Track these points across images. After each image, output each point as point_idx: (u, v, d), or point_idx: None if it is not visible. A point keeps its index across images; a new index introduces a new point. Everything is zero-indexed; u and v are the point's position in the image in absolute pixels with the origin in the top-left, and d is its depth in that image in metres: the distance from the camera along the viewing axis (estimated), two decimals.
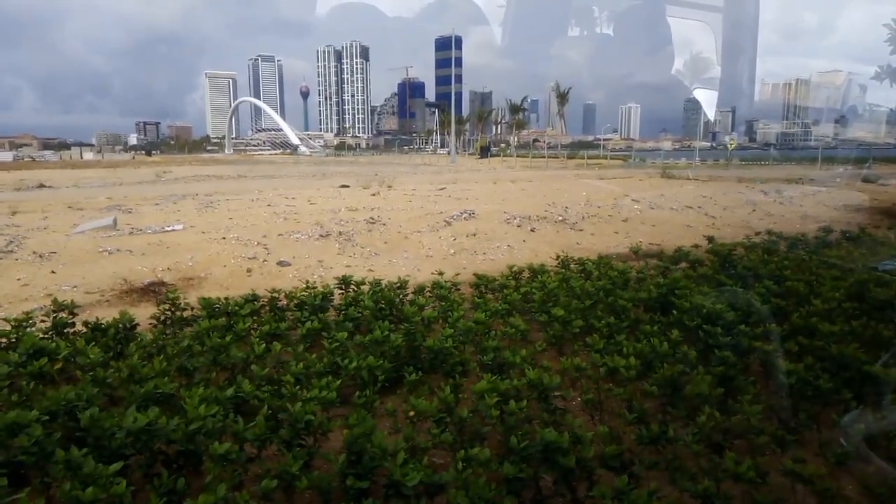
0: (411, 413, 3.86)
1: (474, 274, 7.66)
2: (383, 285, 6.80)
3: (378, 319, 5.87)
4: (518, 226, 13.49)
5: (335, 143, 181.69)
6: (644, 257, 9.59)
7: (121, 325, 5.33)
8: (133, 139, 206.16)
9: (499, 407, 3.80)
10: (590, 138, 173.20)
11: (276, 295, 6.51)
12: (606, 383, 4.64)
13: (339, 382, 4.05)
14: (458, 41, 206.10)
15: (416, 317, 5.71)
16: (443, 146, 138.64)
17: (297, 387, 4.03)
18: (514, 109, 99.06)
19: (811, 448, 3.96)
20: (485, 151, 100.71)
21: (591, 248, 12.31)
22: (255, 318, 5.93)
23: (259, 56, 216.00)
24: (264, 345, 4.76)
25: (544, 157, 78.31)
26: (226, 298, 6.18)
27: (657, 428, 3.90)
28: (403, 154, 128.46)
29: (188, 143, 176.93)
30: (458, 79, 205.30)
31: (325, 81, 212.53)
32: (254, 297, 6.38)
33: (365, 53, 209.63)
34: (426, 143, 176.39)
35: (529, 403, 3.97)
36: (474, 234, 12.53)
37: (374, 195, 17.40)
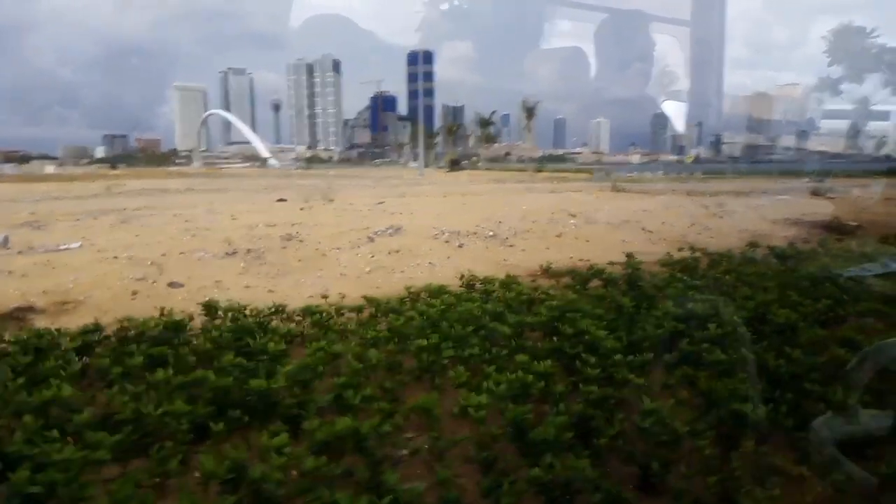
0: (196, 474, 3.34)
1: (363, 296, 7.15)
2: (247, 312, 6.26)
3: (229, 351, 5.30)
4: (446, 241, 13.05)
5: (307, 156, 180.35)
6: (555, 276, 9.19)
7: None
8: (100, 152, 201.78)
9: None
10: (560, 152, 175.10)
11: (126, 324, 5.90)
12: (457, 423, 4.19)
13: (117, 437, 3.50)
14: (430, 56, 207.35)
15: (263, 348, 5.19)
16: (415, 160, 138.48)
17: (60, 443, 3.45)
18: (483, 123, 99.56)
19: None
20: (454, 164, 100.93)
21: (517, 265, 11.93)
22: (85, 352, 5.33)
23: (229, 69, 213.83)
24: (55, 388, 4.17)
25: (511, 171, 78.71)
26: (57, 330, 5.57)
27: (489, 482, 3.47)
28: (374, 167, 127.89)
29: (156, 157, 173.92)
30: (431, 93, 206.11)
31: (297, 94, 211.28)
32: (95, 328, 5.77)
33: (337, 67, 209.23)
34: (399, 156, 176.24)
35: (344, 456, 3.48)
36: (397, 251, 12.04)
37: (302, 210, 16.82)
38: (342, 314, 6.74)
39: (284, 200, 19.62)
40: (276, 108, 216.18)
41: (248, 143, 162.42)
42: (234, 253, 10.76)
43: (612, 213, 17.26)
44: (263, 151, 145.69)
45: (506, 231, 14.26)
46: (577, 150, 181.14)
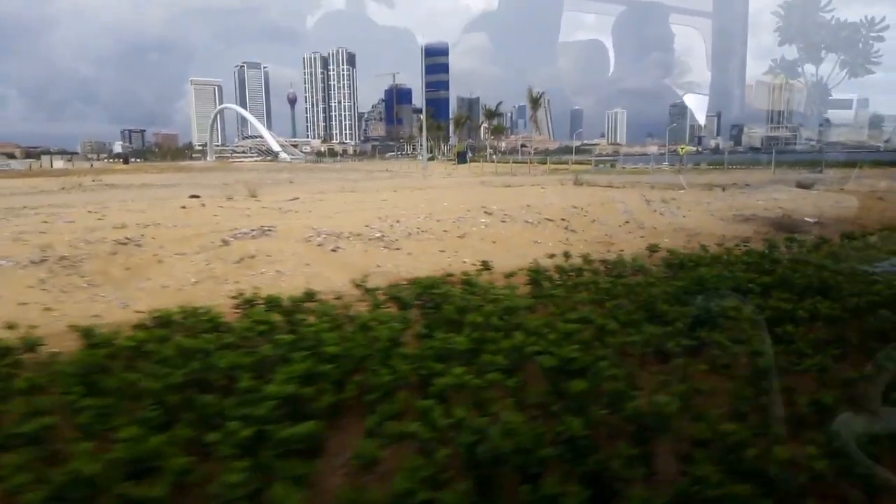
0: None
1: (68, 324, 5.84)
2: None
3: None
4: (319, 245, 11.71)
5: (322, 149, 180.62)
6: (373, 291, 7.77)
7: None
8: (118, 147, 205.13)
9: None
10: (577, 143, 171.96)
11: None
12: None
13: None
14: (446, 48, 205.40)
15: None
16: (430, 151, 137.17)
17: None
18: (489, 114, 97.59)
19: None
20: (461, 157, 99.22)
21: (390, 272, 10.61)
22: None
23: (245, 63, 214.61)
24: None
25: (520, 163, 76.95)
26: None
27: None
28: (383, 160, 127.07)
29: (171, 151, 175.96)
30: (446, 85, 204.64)
31: (312, 88, 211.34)
32: None
33: (352, 60, 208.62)
34: (413, 148, 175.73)
35: None
36: (252, 257, 10.74)
37: (184, 208, 15.57)
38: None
39: (197, 197, 18.44)
40: (292, 101, 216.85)
41: (260, 137, 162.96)
42: (44, 260, 9.56)
43: (544, 209, 15.67)
44: (274, 145, 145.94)
45: (399, 232, 12.86)
46: (595, 141, 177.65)
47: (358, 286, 7.82)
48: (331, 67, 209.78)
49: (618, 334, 5.81)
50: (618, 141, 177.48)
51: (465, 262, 11.66)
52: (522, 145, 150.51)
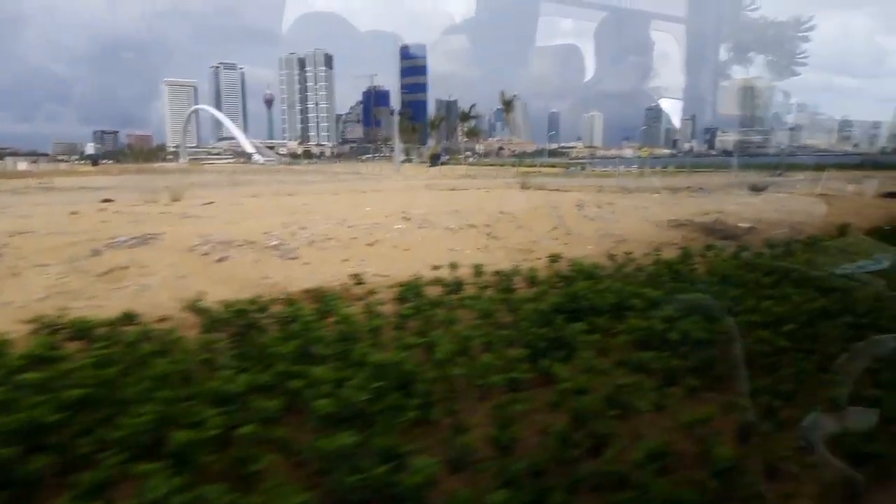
0: None
1: None
2: None
3: None
4: (205, 254, 10.82)
5: (299, 151, 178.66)
6: (202, 312, 6.91)
7: None
8: (90, 148, 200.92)
9: None
10: (554, 146, 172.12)
11: None
12: None
13: None
14: (424, 50, 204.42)
15: None
16: (406, 153, 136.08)
17: None
18: (463, 117, 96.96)
19: None
20: (434, 159, 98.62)
21: (278, 284, 9.79)
22: None
23: (221, 64, 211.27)
24: None
25: (494, 165, 76.53)
26: None
27: None
28: (359, 162, 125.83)
29: (143, 153, 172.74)
30: (424, 87, 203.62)
31: (289, 89, 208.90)
32: None
33: (329, 62, 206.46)
34: (391, 150, 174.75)
35: None
36: (124, 268, 9.83)
37: (74, 214, 14.53)
38: None
39: (110, 201, 17.37)
40: (269, 102, 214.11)
41: (234, 138, 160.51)
42: None
43: (472, 215, 14.89)
44: (248, 147, 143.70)
45: (302, 239, 12.00)
46: (572, 144, 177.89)
47: (192, 308, 6.98)
48: (308, 69, 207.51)
49: (447, 366, 5.04)
50: (595, 144, 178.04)
51: (365, 271, 10.91)
52: (500, 148, 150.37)
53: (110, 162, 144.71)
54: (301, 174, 59.55)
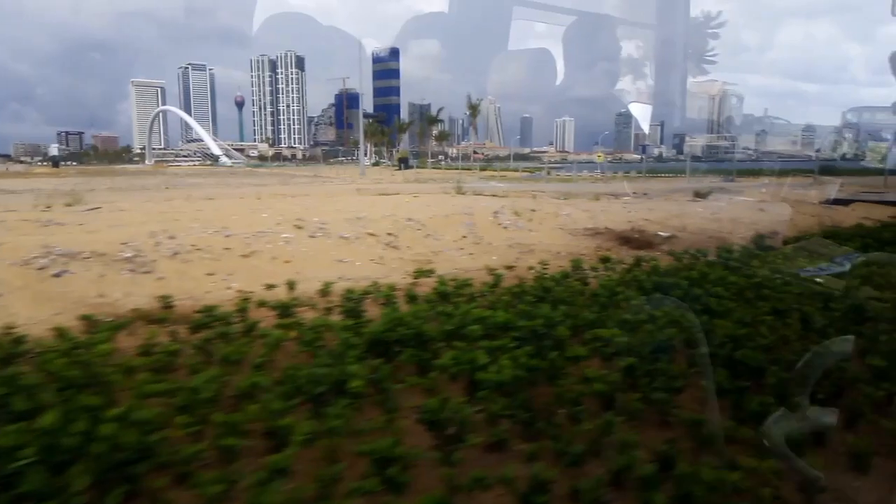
0: None
1: None
2: None
3: None
4: (41, 268, 9.55)
5: (271, 153, 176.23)
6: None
7: None
8: (54, 149, 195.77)
9: None
10: (526, 150, 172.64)
11: None
12: None
13: None
14: (397, 53, 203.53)
15: None
16: (377, 157, 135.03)
17: None
18: (430, 121, 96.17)
19: None
20: (402, 163, 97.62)
21: (117, 304, 8.65)
22: None
23: (189, 65, 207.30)
24: None
25: (462, 169, 75.94)
26: None
27: None
28: (328, 165, 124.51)
29: (108, 154, 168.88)
30: (397, 91, 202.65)
31: (260, 91, 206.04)
32: None
33: (300, 64, 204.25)
34: (363, 153, 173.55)
35: None
36: None
37: None
38: None
39: None
40: (240, 104, 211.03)
41: (202, 140, 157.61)
42: None
43: (376, 223, 13.82)
44: (215, 149, 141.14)
45: (165, 250, 10.78)
46: (544, 148, 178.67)
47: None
48: (279, 71, 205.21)
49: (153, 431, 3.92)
50: (566, 148, 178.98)
51: (230, 287, 9.82)
52: (475, 152, 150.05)
53: (73, 163, 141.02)
54: (259, 177, 57.96)
